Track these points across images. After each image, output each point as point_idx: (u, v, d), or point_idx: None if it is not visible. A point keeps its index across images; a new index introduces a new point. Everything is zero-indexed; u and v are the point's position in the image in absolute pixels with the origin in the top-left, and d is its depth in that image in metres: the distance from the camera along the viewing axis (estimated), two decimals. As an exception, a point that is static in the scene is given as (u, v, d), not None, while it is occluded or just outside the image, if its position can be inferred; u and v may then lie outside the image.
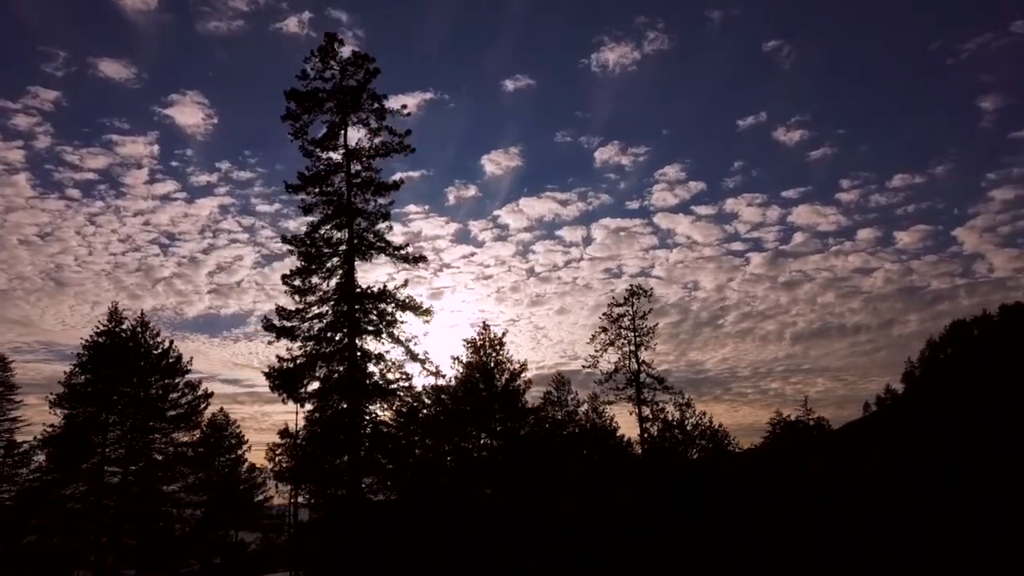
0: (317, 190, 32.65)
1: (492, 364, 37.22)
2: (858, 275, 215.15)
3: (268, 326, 31.43)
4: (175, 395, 40.24)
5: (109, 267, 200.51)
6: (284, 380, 30.64)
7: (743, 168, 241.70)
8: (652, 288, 41.24)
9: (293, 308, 31.82)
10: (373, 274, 35.63)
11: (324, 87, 32.68)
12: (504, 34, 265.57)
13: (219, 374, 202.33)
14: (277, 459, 39.92)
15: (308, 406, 31.70)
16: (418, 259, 33.07)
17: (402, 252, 32.79)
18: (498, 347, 37.87)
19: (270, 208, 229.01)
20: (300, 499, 40.19)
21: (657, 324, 40.44)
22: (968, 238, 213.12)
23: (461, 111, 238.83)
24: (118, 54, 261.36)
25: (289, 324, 31.45)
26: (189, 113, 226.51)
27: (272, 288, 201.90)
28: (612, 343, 40.68)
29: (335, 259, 32.40)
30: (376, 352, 31.73)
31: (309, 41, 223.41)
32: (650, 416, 40.07)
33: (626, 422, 72.41)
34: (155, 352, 39.93)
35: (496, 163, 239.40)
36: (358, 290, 31.81)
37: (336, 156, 32.96)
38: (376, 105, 32.74)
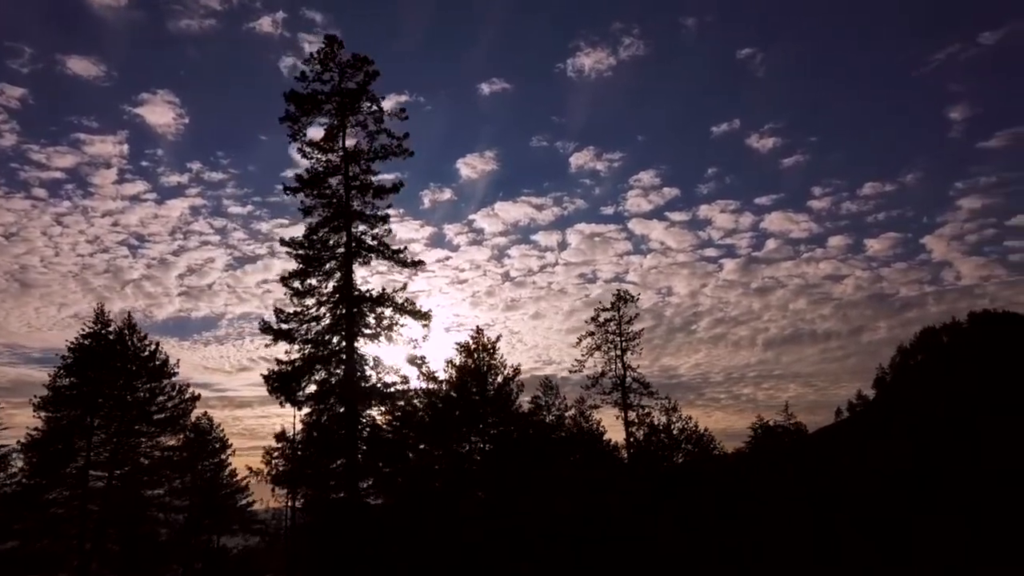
0: (315, 192, 32.64)
1: (486, 368, 37.48)
2: (829, 282, 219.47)
3: (266, 329, 31.28)
4: (162, 398, 39.46)
5: (76, 268, 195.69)
6: (282, 383, 30.54)
7: (717, 175, 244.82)
8: (639, 295, 42.44)
9: (291, 311, 31.75)
10: (370, 277, 35.68)
11: (323, 89, 32.77)
12: (480, 37, 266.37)
13: (190, 378, 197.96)
14: (273, 462, 39.53)
15: (305, 409, 31.66)
16: (416, 263, 33.28)
17: (400, 256, 32.95)
18: (492, 351, 38.16)
19: (242, 210, 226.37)
20: (296, 503, 39.92)
21: (643, 330, 41.42)
22: (936, 246, 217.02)
23: (437, 114, 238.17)
24: (87, 51, 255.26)
25: (287, 327, 31.37)
26: (160, 112, 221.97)
27: (244, 291, 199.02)
28: (598, 347, 41.53)
29: (333, 262, 32.41)
30: (374, 355, 31.89)
31: (283, 41, 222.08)
32: (636, 420, 40.87)
33: (612, 426, 73.08)
34: (142, 354, 39.27)
35: (472, 167, 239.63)
36: (356, 293, 31.84)
37: (335, 158, 33.01)
38: (375, 108, 32.94)
